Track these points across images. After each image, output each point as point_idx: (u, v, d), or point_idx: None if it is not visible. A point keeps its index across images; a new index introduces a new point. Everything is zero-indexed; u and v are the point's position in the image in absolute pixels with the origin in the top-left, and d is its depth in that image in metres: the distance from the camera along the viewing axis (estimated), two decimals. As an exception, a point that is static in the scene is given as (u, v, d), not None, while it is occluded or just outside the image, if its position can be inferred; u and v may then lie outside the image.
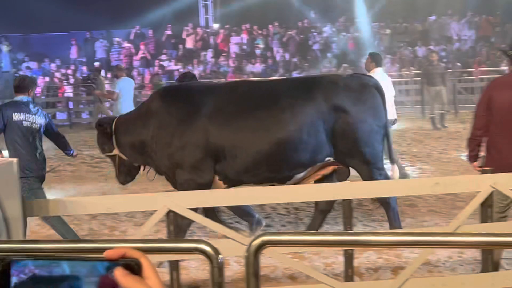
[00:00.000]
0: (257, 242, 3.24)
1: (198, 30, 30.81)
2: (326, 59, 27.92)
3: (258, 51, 28.97)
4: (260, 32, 30.40)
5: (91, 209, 5.87)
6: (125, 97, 14.79)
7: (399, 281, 5.14)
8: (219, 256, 3.09)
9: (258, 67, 27.85)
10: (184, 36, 30.48)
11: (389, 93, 10.56)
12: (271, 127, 6.86)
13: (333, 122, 6.97)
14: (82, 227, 8.67)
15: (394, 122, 10.96)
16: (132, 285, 1.16)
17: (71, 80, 27.89)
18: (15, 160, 5.24)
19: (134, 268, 1.18)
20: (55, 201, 5.62)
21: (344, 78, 7.49)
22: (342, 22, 30.33)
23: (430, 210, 9.07)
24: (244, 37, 30.11)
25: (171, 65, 28.17)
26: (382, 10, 30.33)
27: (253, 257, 3.24)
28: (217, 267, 3.07)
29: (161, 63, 28.25)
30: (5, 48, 28.65)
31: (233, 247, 5.01)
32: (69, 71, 28.21)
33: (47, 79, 27.19)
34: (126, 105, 14.68)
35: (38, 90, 24.88)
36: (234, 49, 29.56)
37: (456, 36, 28.73)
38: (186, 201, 5.41)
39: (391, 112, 10.50)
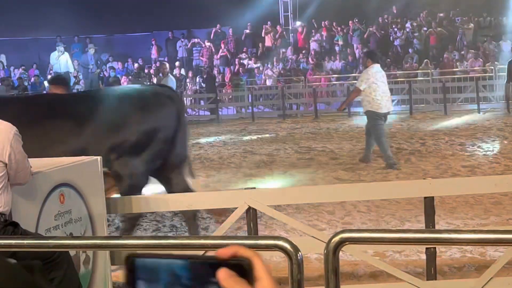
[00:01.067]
0: (336, 239, 3.23)
1: (277, 28, 30.87)
2: (408, 55, 27.52)
3: (337, 48, 28.81)
4: (339, 28, 30.21)
5: (173, 206, 5.98)
6: None
7: (483, 280, 5.04)
8: (299, 253, 3.09)
9: (337, 64, 27.70)
10: (263, 34, 30.58)
11: (384, 87, 11.95)
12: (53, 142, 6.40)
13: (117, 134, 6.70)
14: (164, 224, 8.82)
15: (386, 115, 12.12)
16: (235, 286, 1.10)
17: (154, 80, 28.37)
18: (99, 157, 5.37)
19: (244, 268, 1.11)
20: (138, 198, 5.74)
21: (137, 90, 7.64)
22: (423, 17, 29.81)
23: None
24: (323, 34, 29.99)
25: (251, 64, 28.33)
26: (465, 4, 29.67)
27: (332, 254, 3.23)
28: (296, 264, 3.07)
29: (241, 61, 28.44)
30: (91, 50, 29.39)
31: (312, 244, 5.01)
32: (152, 71, 28.69)
33: (130, 78, 27.76)
34: None
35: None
36: (313, 46, 29.48)
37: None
38: (266, 198, 5.44)
39: (386, 105, 11.95)
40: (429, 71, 25.28)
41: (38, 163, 4.75)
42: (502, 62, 24.76)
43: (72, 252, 4.54)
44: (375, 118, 11.95)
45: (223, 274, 1.10)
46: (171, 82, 15.70)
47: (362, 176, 11.60)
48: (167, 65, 18.78)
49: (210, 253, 1.14)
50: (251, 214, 5.32)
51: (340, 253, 3.31)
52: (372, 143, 12.47)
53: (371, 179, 11.05)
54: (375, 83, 11.80)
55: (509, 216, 8.44)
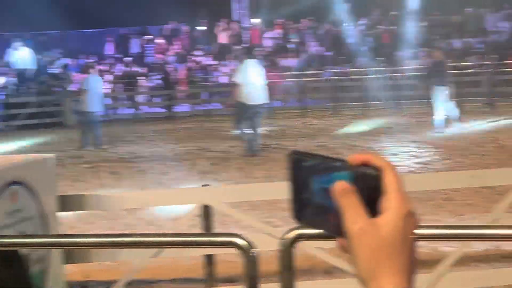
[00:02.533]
0: (291, 235, 3.24)
1: (232, 25, 30.83)
2: (361, 53, 27.74)
3: (291, 46, 28.90)
4: (293, 26, 30.31)
5: (127, 204, 5.93)
6: (92, 94, 15.61)
7: (436, 275, 5.11)
8: (253, 249, 3.09)
9: (291, 61, 27.79)
10: (217, 31, 30.53)
11: (257, 81, 12.97)
12: None
13: None
14: (118, 222, 8.74)
15: (256, 107, 13.03)
16: (347, 208, 0.95)
17: (107, 77, 28.10)
18: (52, 155, 5.30)
19: (373, 179, 0.96)
20: (91, 196, 5.68)
21: None
22: (377, 15, 30.09)
23: (467, 203, 8.98)
24: (278, 31, 30.06)
25: (208, 60, 28.26)
26: (418, 3, 30.02)
27: (286, 250, 3.24)
28: (251, 261, 3.07)
29: (195, 58, 28.36)
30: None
31: (267, 241, 5.01)
32: (105, 67, 28.41)
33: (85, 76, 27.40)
34: (93, 102, 15.47)
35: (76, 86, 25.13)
36: (268, 43, 29.52)
37: (493, 28, 28.33)
38: (221, 196, 5.43)
39: (255, 98, 12.94)
40: (381, 68, 25.52)
41: (-12, 161, 4.66)
42: (453, 60, 25.15)
43: (24, 251, 4.47)
44: (241, 108, 13.06)
45: (339, 187, 0.95)
46: (97, 80, 16.08)
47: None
48: (93, 63, 19.31)
49: (351, 156, 0.99)
50: (206, 212, 5.30)
51: (295, 249, 3.32)
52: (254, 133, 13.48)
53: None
54: (248, 76, 12.88)
55: (461, 212, 8.58)
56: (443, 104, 15.69)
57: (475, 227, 4.07)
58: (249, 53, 13.95)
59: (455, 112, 15.97)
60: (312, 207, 1.01)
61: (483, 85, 23.13)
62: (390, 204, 0.94)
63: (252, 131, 13.49)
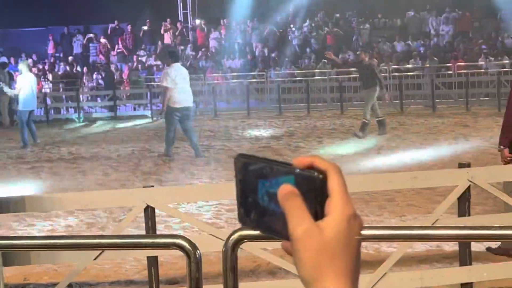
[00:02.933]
0: (235, 236, 3.23)
1: (177, 25, 30.72)
2: (305, 54, 27.95)
3: (236, 46, 28.95)
4: (238, 27, 30.36)
5: (69, 206, 5.83)
6: (24, 92, 15.69)
7: (377, 275, 5.16)
8: (197, 251, 3.06)
9: (236, 62, 27.82)
10: (162, 31, 30.38)
11: (184, 84, 13.26)
12: None
13: None
14: (59, 223, 8.61)
15: (184, 110, 13.28)
16: (291, 211, 0.94)
17: (49, 76, 27.68)
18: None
19: (317, 182, 0.95)
20: (32, 198, 5.57)
21: None
22: (321, 17, 30.37)
23: (408, 204, 9.10)
24: (222, 32, 30.06)
25: (151, 60, 28.07)
26: (361, 6, 30.42)
27: (230, 252, 3.23)
28: (194, 262, 3.05)
29: (139, 58, 28.14)
30: None
31: (211, 242, 4.99)
32: (46, 67, 27.99)
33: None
34: (26, 101, 15.50)
35: (15, 86, 24.69)
36: (212, 44, 29.50)
37: (434, 31, 28.86)
38: (164, 197, 5.38)
39: (183, 101, 13.28)
40: (326, 70, 25.73)
41: None
42: (396, 63, 25.59)
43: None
44: (170, 112, 13.22)
45: (283, 190, 0.94)
46: (30, 78, 16.29)
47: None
48: (27, 61, 19.12)
49: (296, 159, 0.98)
50: (150, 213, 5.25)
51: (239, 250, 3.31)
52: (191, 139, 13.71)
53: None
54: (174, 81, 13.03)
55: (403, 213, 8.69)
56: (368, 107, 15.89)
57: (416, 228, 4.12)
58: (174, 56, 13.84)
59: (367, 116, 15.99)
60: (258, 211, 1.01)
61: (425, 88, 23.52)
62: (334, 207, 0.94)
63: (187, 136, 13.70)
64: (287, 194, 0.95)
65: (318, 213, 0.95)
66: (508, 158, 6.56)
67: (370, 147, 14.50)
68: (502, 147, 6.66)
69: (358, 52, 15.97)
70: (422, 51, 26.90)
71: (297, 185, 0.96)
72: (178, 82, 13.13)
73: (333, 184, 0.95)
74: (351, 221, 0.95)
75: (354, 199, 8.99)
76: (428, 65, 25.37)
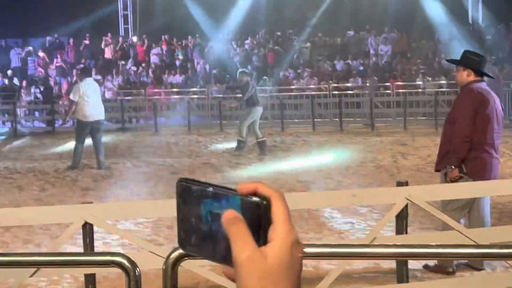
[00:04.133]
0: (175, 254, 3.21)
1: (119, 39, 30.51)
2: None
3: (177, 62, 28.89)
4: (179, 43, 30.32)
5: (4, 222, 5.70)
6: None
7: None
8: (136, 269, 3.03)
9: (177, 78, 27.75)
10: (103, 46, 30.12)
11: (94, 98, 13.71)
12: None
13: None
14: (-6, 240, 8.41)
15: (94, 124, 13.68)
16: (235, 236, 0.95)
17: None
18: None
19: (261, 208, 0.96)
20: (-34, 214, 5.43)
21: None
22: (262, 35, 30.57)
23: (347, 222, 9.19)
24: (163, 48, 29.98)
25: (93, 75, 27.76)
26: (302, 24, 30.73)
27: (170, 269, 3.21)
28: (134, 281, 3.01)
29: (79, 73, 27.79)
30: None
31: (151, 260, 4.94)
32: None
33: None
34: None
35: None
36: (153, 59, 29.38)
37: (374, 51, 29.35)
38: (103, 213, 5.31)
39: (93, 115, 13.61)
40: (267, 88, 25.86)
41: None
42: (336, 81, 25.93)
43: None
44: (80, 126, 13.86)
45: (228, 215, 0.96)
46: None
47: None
48: None
49: (240, 186, 1.00)
50: (88, 230, 5.17)
51: (180, 268, 3.29)
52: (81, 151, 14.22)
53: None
54: (85, 95, 13.54)
55: (340, 230, 8.76)
56: (245, 126, 15.97)
57: (356, 246, 4.17)
58: (86, 72, 14.63)
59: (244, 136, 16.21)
60: (200, 235, 1.02)
61: (364, 106, 23.84)
62: (277, 233, 0.96)
63: (95, 148, 14.10)
64: (232, 219, 0.96)
65: (261, 239, 0.97)
66: (457, 178, 6.64)
67: (310, 164, 14.60)
68: (453, 167, 6.69)
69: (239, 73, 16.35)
70: (361, 70, 27.30)
71: (242, 210, 0.98)
72: (89, 96, 13.60)
73: (276, 211, 0.97)
74: (293, 247, 0.97)
75: (293, 216, 9.05)
76: (367, 84, 25.76)
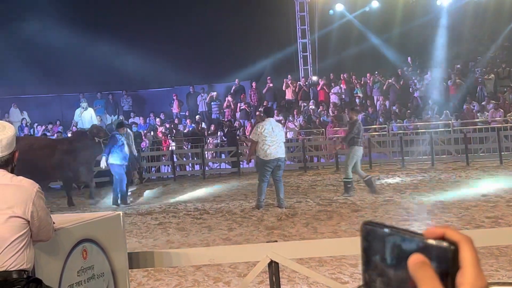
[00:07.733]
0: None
1: (300, 81, 31.13)
2: (428, 106, 27.51)
3: (357, 100, 28.93)
4: (358, 81, 30.38)
5: (195, 261, 5.97)
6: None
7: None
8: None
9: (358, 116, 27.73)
10: (283, 87, 30.83)
11: (274, 137, 14.02)
12: None
13: None
14: (186, 279, 8.78)
15: (275, 161, 14.10)
16: (423, 281, 0.95)
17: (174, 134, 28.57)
18: (121, 212, 5.41)
19: (449, 253, 0.97)
20: (160, 253, 5.75)
21: None
22: (444, 68, 29.90)
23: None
24: (343, 86, 30.15)
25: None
26: (484, 56, 29.80)
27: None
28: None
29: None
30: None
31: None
32: (172, 125, 28.91)
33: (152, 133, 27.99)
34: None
35: (143, 144, 25.69)
36: (333, 99, 29.62)
37: None
38: (288, 251, 5.42)
39: (273, 154, 13.99)
40: (450, 122, 25.23)
41: (60, 219, 4.79)
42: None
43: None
44: (262, 164, 14.33)
45: (414, 259, 0.97)
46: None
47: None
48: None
49: (427, 230, 1.01)
50: (273, 268, 5.29)
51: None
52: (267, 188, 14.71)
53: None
54: (264, 135, 13.91)
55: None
56: (350, 166, 15.75)
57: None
58: (268, 112, 14.95)
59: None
60: (384, 279, 1.03)
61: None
62: (466, 278, 0.96)
63: (275, 185, 14.51)
64: (419, 264, 0.97)
65: (449, 285, 0.97)
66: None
67: (498, 200, 14.01)
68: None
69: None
70: None
71: (429, 255, 0.98)
72: (267, 136, 13.97)
73: (465, 256, 0.97)
74: None
75: (482, 253, 8.71)
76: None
